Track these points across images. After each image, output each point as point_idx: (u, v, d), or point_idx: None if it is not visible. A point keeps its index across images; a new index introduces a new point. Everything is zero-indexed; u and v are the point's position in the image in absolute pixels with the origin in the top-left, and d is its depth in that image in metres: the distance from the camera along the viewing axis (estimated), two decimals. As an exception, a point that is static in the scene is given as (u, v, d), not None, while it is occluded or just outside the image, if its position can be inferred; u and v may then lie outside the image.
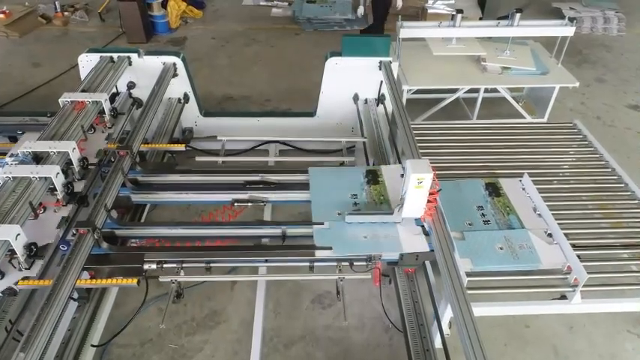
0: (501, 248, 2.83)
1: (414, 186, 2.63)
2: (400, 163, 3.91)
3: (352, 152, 4.61)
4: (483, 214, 3.08)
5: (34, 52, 7.14)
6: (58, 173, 2.87)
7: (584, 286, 2.71)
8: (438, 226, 2.68)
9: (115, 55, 4.20)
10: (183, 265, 2.70)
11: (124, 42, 7.40)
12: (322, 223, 2.88)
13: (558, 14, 8.23)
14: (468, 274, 2.68)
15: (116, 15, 7.62)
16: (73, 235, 2.64)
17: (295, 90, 6.18)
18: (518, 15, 4.76)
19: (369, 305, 3.54)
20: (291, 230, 2.94)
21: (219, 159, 3.89)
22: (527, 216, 3.07)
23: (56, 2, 8.09)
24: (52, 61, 6.73)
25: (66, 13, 8.13)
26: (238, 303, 3.57)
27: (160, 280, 2.66)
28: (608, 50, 7.43)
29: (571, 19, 4.91)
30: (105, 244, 2.72)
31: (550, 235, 2.93)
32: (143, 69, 4.30)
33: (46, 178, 2.84)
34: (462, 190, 3.29)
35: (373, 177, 3.24)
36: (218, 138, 4.28)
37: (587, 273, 2.68)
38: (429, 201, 2.69)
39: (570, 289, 2.79)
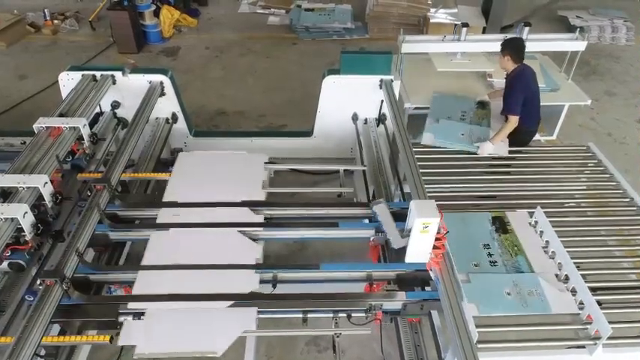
0: (509, 294, 2.62)
1: (420, 230, 2.38)
2: (401, 188, 3.69)
3: (351, 174, 4.38)
4: (490, 254, 2.87)
5: (21, 63, 6.88)
6: (26, 213, 2.59)
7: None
8: (445, 275, 2.40)
9: (97, 74, 3.94)
10: (163, 316, 2.43)
11: (115, 52, 7.13)
12: (318, 267, 2.64)
13: (564, 22, 7.98)
14: (476, 321, 2.42)
15: (108, 23, 7.34)
16: (40, 284, 2.37)
17: (292, 104, 5.91)
18: (527, 29, 4.50)
19: (369, 348, 3.27)
20: (284, 275, 2.67)
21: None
22: (536, 258, 2.85)
23: (46, 10, 7.83)
24: (40, 73, 6.44)
25: (56, 22, 7.86)
26: (227, 345, 3.30)
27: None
28: (617, 61, 7.17)
29: (581, 30, 4.66)
30: (75, 294, 2.44)
31: (566, 277, 2.69)
32: (128, 88, 4.03)
33: (12, 218, 2.57)
34: (468, 225, 3.07)
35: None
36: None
37: (609, 322, 2.43)
38: (435, 247, 2.42)
39: (591, 342, 2.53)
